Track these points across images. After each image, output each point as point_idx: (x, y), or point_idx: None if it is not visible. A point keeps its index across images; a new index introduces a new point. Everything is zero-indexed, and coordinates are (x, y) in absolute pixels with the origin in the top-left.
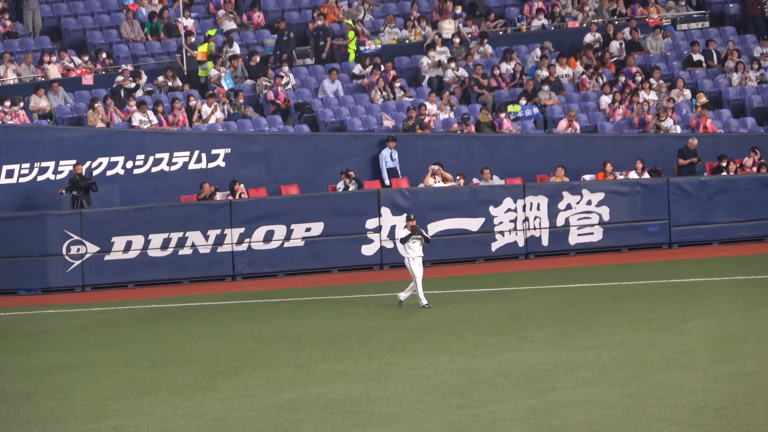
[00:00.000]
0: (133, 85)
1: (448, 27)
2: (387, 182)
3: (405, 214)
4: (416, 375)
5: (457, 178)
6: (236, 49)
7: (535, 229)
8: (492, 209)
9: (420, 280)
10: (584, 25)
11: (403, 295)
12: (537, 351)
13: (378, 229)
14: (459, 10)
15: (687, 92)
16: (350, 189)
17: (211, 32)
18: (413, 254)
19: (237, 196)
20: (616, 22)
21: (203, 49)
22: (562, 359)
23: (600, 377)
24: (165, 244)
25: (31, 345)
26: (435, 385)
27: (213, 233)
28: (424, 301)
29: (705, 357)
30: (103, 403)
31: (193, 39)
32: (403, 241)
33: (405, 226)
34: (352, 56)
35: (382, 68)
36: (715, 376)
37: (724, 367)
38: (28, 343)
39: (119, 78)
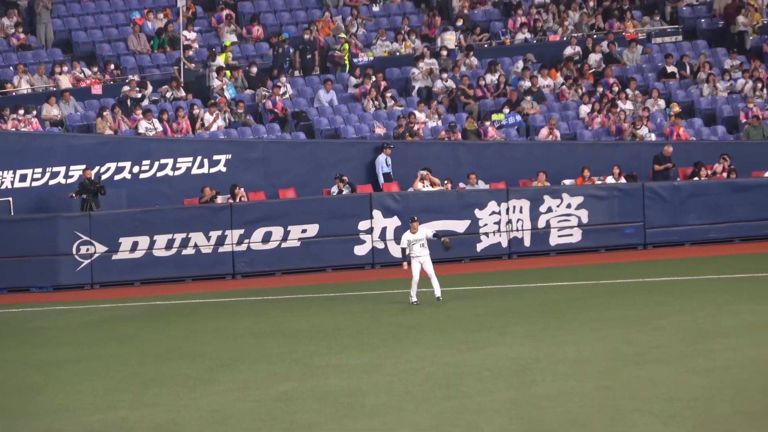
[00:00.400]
0: (139, 95)
1: (449, 38)
2: (388, 185)
3: (407, 217)
4: (405, 368)
5: (445, 182)
6: (219, 62)
7: (517, 230)
8: (477, 212)
9: (416, 280)
10: (564, 39)
11: (437, 293)
12: (519, 346)
13: (370, 231)
14: (460, 22)
15: (661, 102)
16: (344, 193)
17: (228, 43)
18: (413, 255)
19: (237, 200)
20: (595, 36)
21: (221, 58)
22: (543, 354)
23: (578, 371)
24: (169, 245)
25: (42, 340)
26: (423, 377)
27: (214, 234)
28: (414, 299)
29: (677, 352)
30: (110, 395)
31: (191, 52)
32: (403, 250)
33: (409, 228)
34: (347, 68)
35: (374, 79)
36: (686, 369)
37: (696, 361)
38: (39, 337)
39: (125, 88)
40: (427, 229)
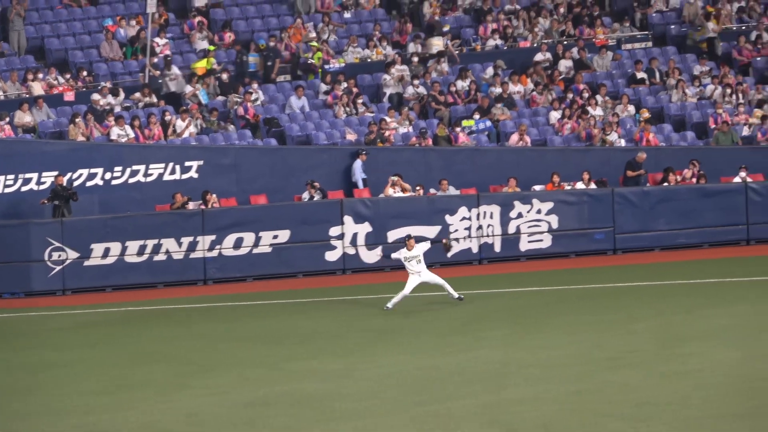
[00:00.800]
0: (107, 107)
1: (437, 43)
2: (360, 191)
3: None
4: (379, 373)
5: (417, 188)
6: (175, 70)
7: (488, 236)
8: (448, 217)
9: (406, 293)
10: (535, 45)
11: (453, 294)
12: (491, 351)
13: (341, 237)
14: (447, 28)
15: (631, 108)
16: (315, 199)
17: (211, 48)
18: (412, 270)
19: (209, 206)
20: (565, 42)
21: (202, 64)
22: (514, 358)
23: (550, 375)
24: (141, 251)
25: (18, 344)
26: (396, 382)
27: (186, 240)
28: (390, 305)
29: (649, 356)
30: (86, 399)
31: (155, 60)
32: (388, 257)
33: (405, 247)
34: (320, 74)
35: (345, 85)
36: (658, 374)
37: (667, 365)
38: (15, 342)
39: (95, 97)
40: (423, 245)
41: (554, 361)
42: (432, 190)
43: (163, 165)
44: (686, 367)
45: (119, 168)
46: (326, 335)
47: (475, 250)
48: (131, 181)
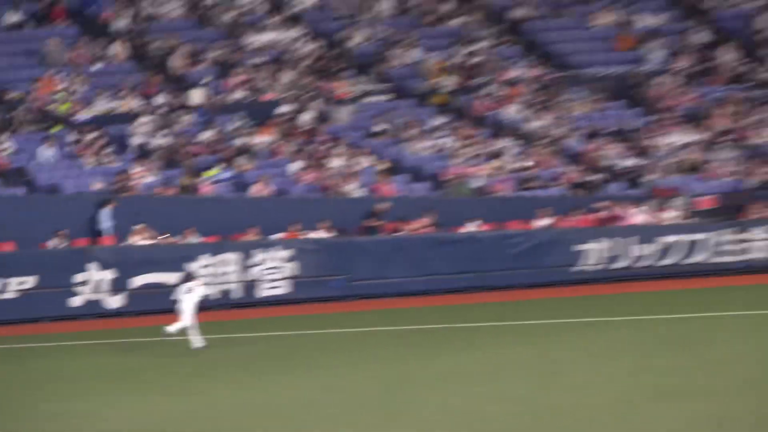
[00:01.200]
0: None
1: (197, 94)
2: (105, 239)
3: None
4: (127, 416)
5: (162, 236)
6: None
7: (229, 282)
8: (191, 264)
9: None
10: (278, 98)
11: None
12: (224, 395)
13: (86, 283)
14: (207, 80)
15: (369, 159)
16: (62, 246)
17: None
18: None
19: None
20: (308, 95)
21: None
22: (248, 402)
23: (286, 416)
24: None
25: None
26: (127, 427)
27: None
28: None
29: (375, 401)
30: None
31: None
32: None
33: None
34: (67, 125)
35: (94, 135)
36: (383, 417)
37: (393, 411)
38: None
39: None
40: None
41: (264, 405)
42: (177, 238)
43: None
44: (410, 413)
45: None
46: (68, 378)
47: (216, 296)
48: None
